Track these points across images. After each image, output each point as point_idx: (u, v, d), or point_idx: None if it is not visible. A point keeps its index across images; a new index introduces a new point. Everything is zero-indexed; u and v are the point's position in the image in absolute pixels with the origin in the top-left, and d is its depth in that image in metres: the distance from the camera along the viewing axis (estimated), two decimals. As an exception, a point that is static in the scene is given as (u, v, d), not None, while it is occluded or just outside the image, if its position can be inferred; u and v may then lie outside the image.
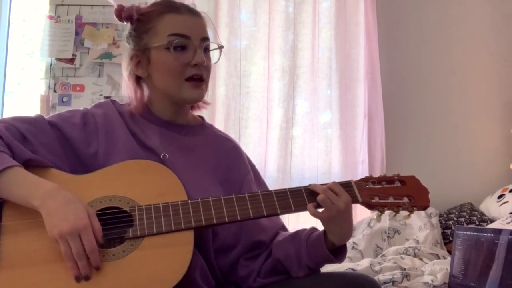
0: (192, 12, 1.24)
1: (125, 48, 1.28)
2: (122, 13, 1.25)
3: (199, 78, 1.21)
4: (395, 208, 1.13)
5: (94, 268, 0.99)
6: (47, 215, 1.00)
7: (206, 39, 1.23)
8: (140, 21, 1.24)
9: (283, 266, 1.17)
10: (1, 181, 1.03)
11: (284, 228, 1.29)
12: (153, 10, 1.23)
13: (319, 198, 1.10)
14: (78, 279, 0.98)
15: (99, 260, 0.99)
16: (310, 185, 1.14)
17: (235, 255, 1.21)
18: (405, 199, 1.14)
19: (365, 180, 1.17)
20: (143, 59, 1.23)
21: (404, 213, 1.14)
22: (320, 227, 1.16)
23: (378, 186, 1.16)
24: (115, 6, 1.26)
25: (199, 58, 1.20)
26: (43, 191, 1.02)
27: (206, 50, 1.25)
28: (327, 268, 1.88)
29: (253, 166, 1.33)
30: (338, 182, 1.14)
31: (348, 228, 1.12)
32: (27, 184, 1.03)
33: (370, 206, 1.13)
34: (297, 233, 1.19)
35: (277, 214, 1.14)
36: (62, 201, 1.01)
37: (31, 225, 1.04)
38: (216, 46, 1.28)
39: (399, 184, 1.16)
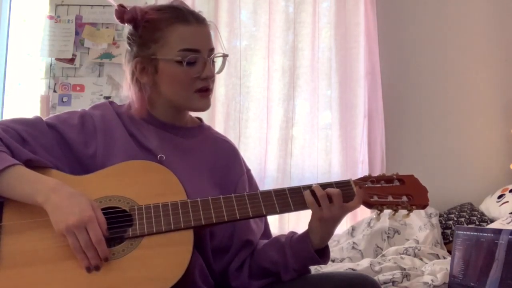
0: (199, 21, 1.21)
1: (125, 48, 1.24)
2: (125, 15, 1.20)
3: (206, 89, 1.22)
4: (394, 207, 1.13)
5: (103, 258, 1.00)
6: (52, 210, 1.01)
7: (213, 49, 1.23)
8: (146, 28, 1.19)
9: (272, 272, 1.19)
10: (3, 179, 1.03)
11: (266, 235, 1.30)
12: (160, 18, 1.19)
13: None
14: (89, 270, 1.00)
15: (107, 251, 1.00)
16: (312, 186, 1.13)
17: (230, 256, 1.23)
18: (404, 198, 1.14)
19: (364, 179, 1.17)
20: (149, 67, 1.20)
21: (403, 212, 1.14)
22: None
23: (377, 185, 1.16)
24: (116, 7, 1.21)
25: (209, 72, 1.20)
26: (46, 187, 1.03)
27: (212, 60, 1.24)
28: (327, 268, 1.88)
29: (248, 170, 1.34)
30: (337, 181, 1.14)
31: (332, 232, 1.15)
32: (30, 181, 1.04)
33: (369, 205, 1.14)
34: (278, 240, 1.20)
35: (277, 213, 1.14)
36: (66, 195, 1.02)
37: (31, 225, 1.04)
38: (221, 55, 1.28)
39: (398, 183, 1.16)
